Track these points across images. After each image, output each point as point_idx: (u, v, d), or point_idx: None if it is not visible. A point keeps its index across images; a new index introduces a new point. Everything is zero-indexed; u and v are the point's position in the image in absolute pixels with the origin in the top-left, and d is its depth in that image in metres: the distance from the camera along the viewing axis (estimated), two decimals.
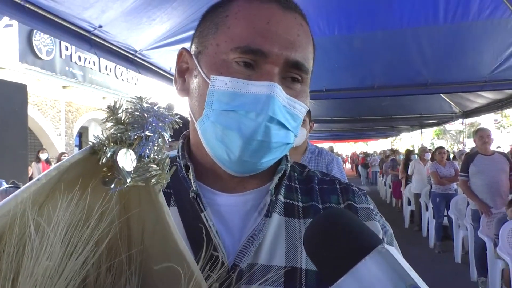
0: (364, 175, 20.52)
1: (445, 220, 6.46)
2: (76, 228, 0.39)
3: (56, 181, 0.41)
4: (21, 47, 9.23)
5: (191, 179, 0.65)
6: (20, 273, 0.36)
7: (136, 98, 0.44)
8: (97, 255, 0.41)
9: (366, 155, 23.69)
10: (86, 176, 0.43)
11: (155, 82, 4.96)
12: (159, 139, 0.43)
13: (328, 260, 0.44)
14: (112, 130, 0.42)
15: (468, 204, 5.09)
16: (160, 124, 0.43)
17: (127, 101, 0.44)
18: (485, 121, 25.50)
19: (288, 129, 0.61)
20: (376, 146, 38.51)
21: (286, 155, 0.71)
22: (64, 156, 9.54)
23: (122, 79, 13.32)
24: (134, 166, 0.41)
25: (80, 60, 11.13)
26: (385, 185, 12.97)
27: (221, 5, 0.65)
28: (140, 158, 0.42)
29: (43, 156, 8.84)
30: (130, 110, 0.43)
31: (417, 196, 7.75)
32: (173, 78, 0.70)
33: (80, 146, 14.75)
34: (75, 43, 3.33)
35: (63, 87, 11.48)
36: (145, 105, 0.43)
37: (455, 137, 29.27)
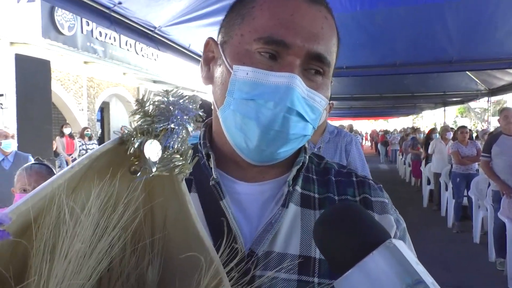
0: (383, 153, 20.31)
1: (465, 200, 6.41)
2: (105, 213, 0.42)
3: (88, 168, 0.44)
4: (44, 23, 9.31)
5: (212, 168, 0.68)
6: (55, 253, 0.39)
7: (163, 91, 0.46)
8: (124, 239, 0.44)
9: (385, 132, 23.37)
10: (115, 164, 0.46)
11: (174, 58, 4.97)
12: (184, 131, 0.46)
13: (337, 252, 0.46)
14: (139, 122, 0.44)
15: (489, 185, 5.02)
16: (185, 117, 0.45)
17: (155, 94, 0.46)
18: None
19: (306, 120, 0.62)
20: (396, 124, 37.90)
21: (304, 146, 0.73)
22: (87, 131, 9.75)
23: (142, 55, 13.36)
24: (160, 156, 0.44)
25: (101, 35, 11.19)
26: (404, 163, 12.84)
27: None
28: (165, 148, 0.44)
29: (66, 130, 9.06)
30: (157, 103, 0.45)
31: (437, 175, 7.67)
32: (199, 65, 0.72)
33: (101, 121, 15.03)
34: (95, 19, 3.37)
35: (85, 62, 11.60)
36: (171, 98, 0.45)
37: (479, 115, 28.50)
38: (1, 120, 7.65)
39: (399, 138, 16.42)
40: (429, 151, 8.10)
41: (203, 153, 0.70)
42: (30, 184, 2.13)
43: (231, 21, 0.66)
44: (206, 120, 0.76)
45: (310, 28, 0.60)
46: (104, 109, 14.96)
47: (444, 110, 16.38)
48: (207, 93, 0.73)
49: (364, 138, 31.52)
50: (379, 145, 21.70)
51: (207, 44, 0.70)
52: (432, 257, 5.17)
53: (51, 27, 9.50)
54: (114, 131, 0.48)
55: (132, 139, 0.43)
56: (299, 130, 0.62)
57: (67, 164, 8.79)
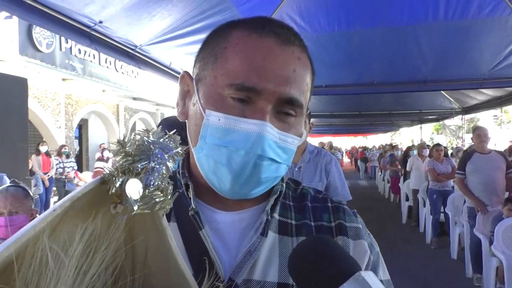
0: (363, 170, 20.58)
1: (442, 216, 6.53)
2: (87, 254, 0.42)
3: (69, 208, 0.44)
4: (21, 40, 9.20)
5: (191, 198, 0.69)
6: None
7: (143, 131, 0.47)
8: (105, 278, 0.45)
9: (364, 149, 23.73)
10: (96, 204, 0.47)
11: (154, 76, 4.97)
12: (164, 169, 0.47)
13: (309, 283, 0.48)
14: (121, 162, 0.45)
15: (464, 201, 5.14)
16: (165, 155, 0.46)
17: (135, 134, 0.47)
18: (484, 116, 25.52)
19: (279, 162, 0.63)
20: (376, 140, 38.56)
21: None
22: (65, 148, 9.56)
23: (122, 72, 13.31)
24: (141, 194, 0.45)
25: (80, 53, 11.11)
26: (383, 180, 13.03)
27: (222, 33, 0.66)
28: (146, 187, 0.45)
29: (43, 148, 8.87)
30: (137, 143, 0.46)
31: (415, 192, 7.81)
32: (175, 100, 0.73)
33: (79, 138, 14.78)
34: (76, 38, 3.34)
35: (63, 79, 11.47)
36: (151, 138, 0.46)
37: (454, 132, 29.30)
38: None
39: (378, 155, 16.70)
40: (407, 168, 8.26)
41: (182, 183, 0.71)
42: (5, 207, 2.07)
43: (205, 59, 0.66)
44: (185, 149, 0.77)
45: (281, 72, 0.61)
46: (82, 126, 14.73)
47: (421, 127, 16.77)
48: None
49: (345, 154, 31.91)
50: (358, 162, 22.01)
51: (182, 78, 0.71)
52: (411, 274, 5.22)
53: (29, 44, 9.38)
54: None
55: (114, 178, 0.44)
56: (271, 173, 0.63)
57: (43, 183, 8.58)
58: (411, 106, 10.68)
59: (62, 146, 9.78)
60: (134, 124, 17.22)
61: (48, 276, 0.39)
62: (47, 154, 9.02)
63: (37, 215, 2.33)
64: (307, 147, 2.66)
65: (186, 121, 0.70)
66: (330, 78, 5.86)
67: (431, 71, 5.59)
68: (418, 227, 7.69)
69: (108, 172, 0.45)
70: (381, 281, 0.71)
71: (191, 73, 0.71)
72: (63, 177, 9.23)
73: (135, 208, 0.44)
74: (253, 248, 0.65)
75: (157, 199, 0.46)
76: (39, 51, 9.67)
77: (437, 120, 15.05)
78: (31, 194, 2.29)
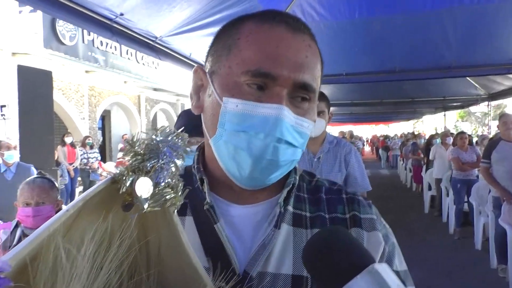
0: (384, 158, 20.30)
1: (466, 206, 6.40)
2: (101, 252, 0.44)
3: (82, 207, 0.46)
4: (45, 33, 9.39)
5: (205, 192, 0.70)
6: None
7: (151, 130, 0.48)
8: (120, 274, 0.46)
9: (386, 138, 23.37)
10: (108, 203, 0.48)
11: (175, 67, 5.02)
12: (173, 167, 0.48)
13: (323, 276, 0.48)
14: (130, 161, 0.47)
15: (489, 191, 5.02)
16: (174, 153, 0.47)
17: (143, 133, 0.48)
18: None
19: (295, 146, 0.65)
20: (397, 128, 37.91)
21: (295, 167, 0.75)
22: (89, 139, 9.78)
23: (143, 63, 13.45)
24: (151, 192, 0.46)
25: (102, 45, 11.28)
26: (405, 169, 12.83)
27: (233, 26, 0.68)
28: (156, 184, 0.46)
29: (68, 139, 9.09)
30: (146, 142, 0.47)
31: (438, 181, 7.66)
32: (189, 93, 0.75)
33: (103, 129, 15.08)
34: (97, 31, 3.39)
35: (86, 71, 11.68)
36: (159, 137, 0.47)
37: (480, 120, 28.47)
38: (4, 131, 7.69)
39: (399, 143, 16.43)
40: (430, 157, 8.09)
41: (197, 177, 0.73)
42: (32, 198, 2.15)
43: (218, 51, 0.68)
44: (200, 144, 0.78)
45: (295, 58, 0.63)
46: (105, 117, 15.02)
47: (444, 115, 16.38)
48: None
49: (365, 143, 31.54)
50: (380, 151, 21.70)
51: (195, 72, 0.73)
52: (434, 264, 5.16)
53: (53, 38, 9.57)
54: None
55: (124, 178, 0.46)
56: (289, 156, 0.65)
57: (69, 173, 8.82)
58: (434, 93, 10.42)
59: (86, 137, 10.00)
60: (155, 114, 17.44)
61: (63, 274, 0.40)
62: (72, 145, 9.25)
63: (63, 205, 2.41)
64: (326, 137, 2.63)
65: (202, 114, 0.71)
66: (350, 66, 5.77)
67: (456, 57, 5.43)
68: (441, 217, 7.56)
69: (118, 171, 0.46)
70: (398, 271, 0.71)
71: (204, 68, 0.72)
72: (88, 167, 9.45)
73: (145, 206, 0.45)
74: (267, 240, 0.66)
75: (167, 196, 0.47)
76: (62, 44, 9.86)
77: (461, 107, 14.67)
78: (57, 185, 2.36)
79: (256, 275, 0.64)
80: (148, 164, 0.46)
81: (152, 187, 0.46)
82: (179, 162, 0.48)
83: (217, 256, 0.64)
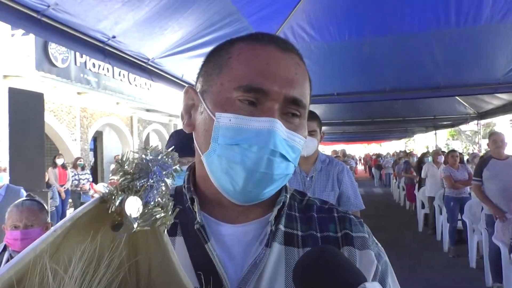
0: (377, 177, 20.36)
1: (460, 224, 6.40)
2: (89, 271, 0.43)
3: (70, 228, 0.45)
4: (38, 55, 9.44)
5: (196, 211, 0.69)
6: None
7: (141, 149, 0.48)
8: None
9: (378, 156, 23.50)
10: (97, 222, 0.48)
11: (167, 88, 5.04)
12: (163, 186, 0.48)
13: None
14: (120, 180, 0.46)
15: (482, 208, 5.04)
16: (163, 172, 0.47)
17: (133, 152, 0.48)
18: (501, 121, 25.06)
19: (288, 160, 0.66)
20: (390, 147, 38.17)
21: (285, 186, 0.75)
22: (80, 161, 9.70)
23: (135, 85, 13.52)
24: (140, 211, 0.45)
25: (94, 66, 11.33)
26: (398, 187, 12.86)
27: (224, 48, 0.70)
28: (145, 204, 0.46)
29: (59, 161, 9.01)
30: (136, 161, 0.47)
31: (431, 199, 7.68)
32: (179, 113, 0.75)
33: (95, 150, 14.99)
34: (90, 53, 3.41)
35: (78, 93, 11.69)
36: (149, 156, 0.47)
37: (470, 138, 28.79)
38: None
39: (392, 162, 16.51)
40: (422, 175, 8.13)
41: (187, 197, 0.72)
42: (21, 220, 2.11)
43: (209, 71, 0.69)
44: (190, 164, 0.78)
45: (285, 74, 0.65)
46: (97, 138, 14.95)
47: (435, 134, 16.56)
48: None
49: (358, 162, 31.64)
50: (373, 169, 21.79)
51: (186, 92, 0.73)
52: (429, 283, 5.13)
53: (45, 60, 9.61)
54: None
55: (113, 197, 0.45)
56: (282, 170, 0.65)
57: (60, 195, 8.70)
58: (425, 112, 10.55)
59: (78, 158, 9.92)
60: (148, 135, 17.41)
61: None
62: (64, 166, 9.16)
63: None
64: (319, 157, 2.64)
65: (193, 132, 0.72)
66: (341, 86, 5.85)
67: (444, 77, 5.53)
68: (435, 235, 7.55)
69: (107, 191, 0.46)
70: None
71: (195, 88, 0.73)
72: (79, 189, 9.35)
73: (135, 225, 0.45)
74: (258, 259, 0.65)
75: (157, 216, 0.47)
76: (54, 66, 9.90)
77: (452, 125, 14.84)
78: (47, 207, 2.33)
79: None
80: (138, 183, 0.46)
81: (141, 207, 0.46)
82: (169, 181, 0.48)
83: (208, 276, 0.63)
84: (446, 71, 5.36)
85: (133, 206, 0.45)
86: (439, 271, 5.68)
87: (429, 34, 4.22)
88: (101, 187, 10.25)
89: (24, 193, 4.76)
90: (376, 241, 0.75)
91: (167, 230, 0.68)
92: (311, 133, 2.50)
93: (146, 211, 0.46)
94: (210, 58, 0.71)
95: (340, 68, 5.19)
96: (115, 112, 14.26)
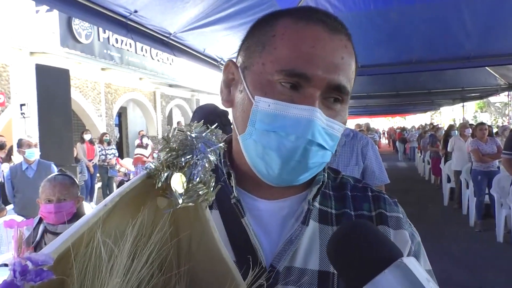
0: (401, 151, 20.06)
1: (487, 198, 6.29)
2: (137, 246, 0.44)
3: (117, 203, 0.46)
4: (62, 32, 9.55)
5: (232, 186, 0.70)
6: None
7: (186, 126, 0.48)
8: (152, 267, 0.47)
9: (402, 130, 23.09)
10: (143, 197, 0.49)
11: (189, 63, 5.04)
12: (207, 162, 0.48)
13: (349, 270, 0.47)
14: (165, 157, 0.47)
15: (511, 183, 4.92)
16: (207, 149, 0.47)
17: (179, 130, 0.48)
18: None
19: (326, 149, 0.64)
20: (415, 120, 37.40)
21: None
22: (106, 136, 9.92)
23: (158, 60, 13.56)
24: (185, 187, 0.46)
25: (117, 42, 11.40)
26: (423, 161, 12.65)
27: (268, 22, 0.67)
28: (189, 180, 0.47)
29: (86, 136, 9.25)
30: (181, 137, 0.47)
31: (458, 173, 7.54)
32: (219, 87, 0.74)
33: (119, 125, 15.27)
34: (112, 28, 3.43)
35: (102, 69, 11.83)
36: (193, 133, 0.47)
37: (500, 110, 27.81)
38: (24, 129, 7.85)
39: (417, 135, 16.21)
40: (448, 148, 7.96)
41: (224, 171, 0.73)
42: (54, 194, 2.19)
43: (252, 47, 0.67)
44: (226, 138, 0.78)
45: (331, 59, 0.62)
46: (121, 114, 15.20)
47: (463, 106, 16.08)
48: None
49: (382, 135, 31.20)
50: (397, 143, 21.45)
51: (227, 66, 0.72)
52: (454, 257, 5.09)
53: (69, 36, 9.72)
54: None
55: (159, 173, 0.46)
56: (319, 159, 0.64)
57: (88, 170, 8.97)
58: (452, 84, 10.22)
59: (104, 134, 10.14)
60: (171, 110, 17.58)
61: (102, 268, 0.41)
62: (91, 142, 9.40)
63: (84, 201, 2.45)
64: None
65: (232, 108, 0.71)
66: (366, 58, 5.69)
67: (474, 47, 5.31)
68: (461, 209, 7.45)
69: (153, 167, 0.47)
70: None
71: (236, 62, 0.71)
72: (106, 163, 9.60)
73: (180, 201, 0.46)
74: (294, 236, 0.66)
75: (200, 192, 0.47)
76: (79, 42, 10.01)
77: (480, 97, 14.38)
78: (77, 181, 2.41)
79: (282, 269, 0.64)
80: (183, 160, 0.46)
81: (186, 183, 0.46)
82: (212, 158, 0.49)
83: (243, 250, 0.64)
84: (477, 40, 5.14)
85: (179, 182, 0.46)
86: (464, 246, 5.63)
87: (460, 1, 4.02)
88: (127, 162, 10.50)
89: (55, 168, 4.93)
90: (410, 221, 0.75)
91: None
92: None
93: (190, 187, 0.47)
94: (253, 32, 0.69)
95: (365, 39, 5.03)
96: (138, 88, 14.40)
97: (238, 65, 0.70)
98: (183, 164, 0.46)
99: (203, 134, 0.48)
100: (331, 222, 0.70)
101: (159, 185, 0.46)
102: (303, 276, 0.64)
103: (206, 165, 0.48)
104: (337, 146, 2.35)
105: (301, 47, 0.61)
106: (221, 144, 0.49)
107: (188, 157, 0.46)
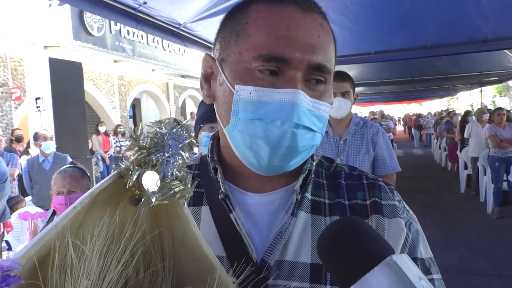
0: (417, 138, 19.78)
1: (505, 184, 6.16)
2: (110, 245, 0.44)
3: (92, 203, 0.46)
4: (74, 25, 9.64)
5: (219, 181, 0.68)
6: None
7: (155, 123, 0.47)
8: (134, 264, 0.46)
9: (418, 116, 22.73)
10: (117, 197, 0.48)
11: (200, 53, 5.03)
12: (180, 159, 0.47)
13: (338, 268, 0.46)
14: (136, 156, 0.46)
15: None
16: (179, 145, 0.46)
17: (147, 126, 0.47)
18: None
19: (314, 131, 0.63)
20: (431, 106, 36.79)
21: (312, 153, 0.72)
22: (120, 128, 10.04)
23: (170, 51, 13.60)
24: (158, 185, 0.45)
25: (128, 34, 11.46)
26: (440, 148, 12.46)
27: (240, 10, 0.65)
28: (163, 177, 0.46)
29: (101, 129, 9.38)
30: (151, 135, 0.46)
31: (475, 159, 7.40)
32: (199, 83, 0.72)
33: (134, 117, 15.42)
34: (122, 20, 3.44)
35: (115, 61, 11.93)
36: (163, 129, 0.46)
37: None
38: (40, 122, 7.99)
39: (433, 122, 15.94)
40: (465, 135, 7.82)
41: (211, 166, 0.71)
42: (64, 186, 2.23)
43: (226, 38, 0.66)
44: (214, 133, 0.77)
45: (307, 39, 0.60)
46: (135, 106, 15.35)
47: (481, 91, 15.72)
48: None
49: (397, 122, 30.80)
50: (413, 130, 21.15)
51: (204, 60, 0.70)
52: (471, 245, 5.02)
53: (81, 29, 9.81)
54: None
55: (130, 172, 0.45)
56: (308, 142, 0.62)
57: (103, 161, 9.10)
58: (469, 68, 9.96)
59: (118, 125, 10.27)
60: (184, 101, 17.65)
61: (73, 271, 0.41)
62: (106, 134, 9.54)
63: None
64: (352, 119, 2.57)
65: (214, 103, 0.69)
66: (379, 43, 5.60)
67: (492, 29, 5.15)
68: (478, 197, 7.33)
69: (124, 166, 0.46)
70: (422, 259, 0.68)
71: (213, 55, 0.70)
72: (121, 155, 9.74)
73: (153, 199, 0.45)
74: (284, 228, 0.65)
75: (176, 189, 0.46)
76: (91, 35, 10.09)
77: (499, 81, 14.02)
78: (88, 173, 2.44)
79: (273, 263, 0.63)
80: (154, 158, 0.45)
81: (159, 181, 0.45)
82: (185, 154, 0.47)
83: (234, 245, 0.63)
84: (495, 22, 4.98)
85: (151, 181, 0.45)
86: (482, 233, 5.54)
87: None
88: None
89: (71, 160, 5.02)
90: (408, 208, 0.72)
91: (193, 200, 0.69)
92: (344, 94, 2.43)
93: (164, 185, 0.46)
94: (226, 22, 0.67)
95: (378, 25, 4.93)
96: (151, 79, 14.49)
97: (215, 58, 0.68)
98: (155, 162, 0.45)
99: (174, 130, 0.47)
100: (324, 213, 0.68)
101: (130, 184, 0.45)
102: (295, 270, 0.63)
103: (180, 161, 0.47)
104: (348, 134, 2.32)
105: (275, 30, 0.60)
106: (192, 139, 0.48)
107: (159, 154, 0.45)
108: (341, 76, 2.47)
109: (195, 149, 1.86)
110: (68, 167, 2.41)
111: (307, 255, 0.64)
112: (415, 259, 0.66)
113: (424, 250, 0.69)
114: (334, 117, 2.47)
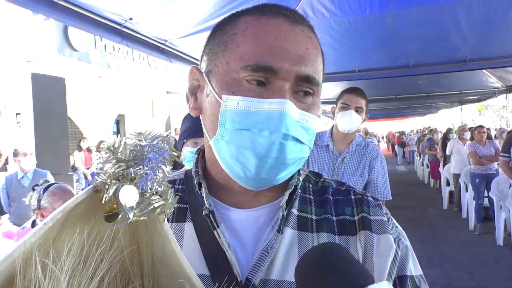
0: (401, 155, 20.04)
1: (486, 201, 6.26)
2: (84, 263, 0.41)
3: (66, 218, 0.43)
4: (59, 40, 9.55)
5: (203, 196, 0.67)
6: None
7: (135, 135, 0.45)
8: (110, 283, 0.44)
9: (401, 133, 23.08)
10: (92, 213, 0.46)
11: (185, 69, 5.02)
12: (160, 173, 0.45)
13: None
14: (113, 169, 0.44)
15: (510, 185, 4.88)
16: (159, 158, 0.44)
17: (127, 137, 0.45)
18: None
19: (302, 143, 0.61)
20: (413, 124, 37.39)
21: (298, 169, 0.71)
22: (103, 144, 9.90)
23: (155, 67, 13.57)
24: (137, 200, 0.43)
25: (113, 50, 11.40)
26: (422, 165, 12.63)
27: (228, 22, 0.65)
28: (142, 192, 0.43)
29: (84, 145, 9.22)
30: (130, 147, 0.44)
31: (457, 176, 7.51)
32: (185, 96, 0.71)
33: (118, 133, 15.22)
34: (107, 36, 3.42)
35: (99, 76, 11.83)
36: (143, 142, 0.44)
37: (498, 113, 27.83)
38: (19, 138, 7.81)
39: (416, 139, 16.18)
40: (447, 152, 7.95)
41: (195, 182, 0.69)
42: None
43: (214, 49, 0.65)
44: (199, 147, 0.75)
45: (295, 50, 0.60)
46: (119, 121, 15.17)
47: (461, 109, 16.06)
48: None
49: (381, 139, 31.15)
50: (396, 147, 21.44)
51: (191, 72, 0.69)
52: (454, 261, 5.05)
53: (66, 44, 9.72)
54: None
55: (106, 186, 0.43)
56: (296, 154, 0.61)
57: (86, 178, 8.92)
58: (450, 87, 10.21)
59: (101, 141, 10.12)
60: (169, 117, 17.55)
61: None
62: (89, 150, 9.37)
63: None
64: (355, 138, 2.51)
65: (201, 115, 0.68)
66: (363, 62, 5.70)
67: (471, 50, 5.31)
68: (461, 213, 7.41)
69: (100, 180, 0.44)
70: (412, 276, 0.66)
71: (200, 68, 0.69)
72: (103, 171, 9.57)
73: (131, 215, 0.42)
74: (269, 246, 0.63)
75: (155, 204, 0.44)
76: (75, 50, 10.00)
77: (479, 100, 14.33)
78: (73, 193, 2.37)
79: (258, 283, 0.61)
80: (132, 171, 0.43)
81: (138, 195, 0.43)
82: (166, 168, 0.45)
83: (218, 263, 0.61)
84: (473, 43, 5.14)
85: (129, 195, 0.42)
86: (464, 249, 5.58)
87: (455, 4, 4.02)
88: None
89: (51, 177, 4.89)
90: (397, 224, 0.71)
91: (177, 216, 0.67)
92: (358, 110, 2.39)
93: (143, 200, 0.43)
94: (214, 34, 0.67)
95: (362, 44, 5.03)
96: (135, 95, 14.40)
97: (202, 70, 0.67)
98: (133, 175, 0.43)
99: (154, 142, 0.45)
100: (311, 229, 0.66)
101: (107, 199, 0.43)
102: None
103: (160, 175, 0.45)
104: (348, 153, 2.28)
105: (264, 41, 0.59)
106: (173, 153, 0.46)
107: (138, 168, 0.43)
108: (359, 92, 2.47)
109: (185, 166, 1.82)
110: (50, 184, 2.33)
111: (293, 273, 0.62)
112: (404, 277, 0.65)
113: (414, 267, 0.68)
114: (341, 130, 2.42)
